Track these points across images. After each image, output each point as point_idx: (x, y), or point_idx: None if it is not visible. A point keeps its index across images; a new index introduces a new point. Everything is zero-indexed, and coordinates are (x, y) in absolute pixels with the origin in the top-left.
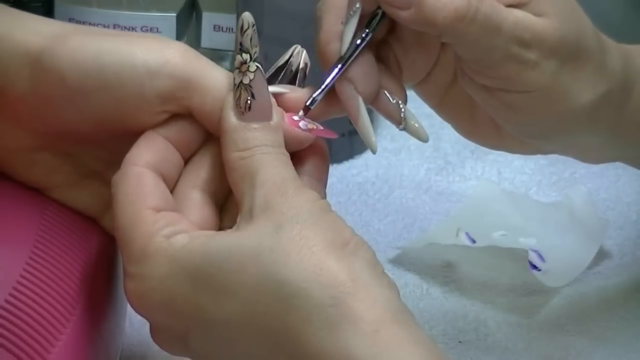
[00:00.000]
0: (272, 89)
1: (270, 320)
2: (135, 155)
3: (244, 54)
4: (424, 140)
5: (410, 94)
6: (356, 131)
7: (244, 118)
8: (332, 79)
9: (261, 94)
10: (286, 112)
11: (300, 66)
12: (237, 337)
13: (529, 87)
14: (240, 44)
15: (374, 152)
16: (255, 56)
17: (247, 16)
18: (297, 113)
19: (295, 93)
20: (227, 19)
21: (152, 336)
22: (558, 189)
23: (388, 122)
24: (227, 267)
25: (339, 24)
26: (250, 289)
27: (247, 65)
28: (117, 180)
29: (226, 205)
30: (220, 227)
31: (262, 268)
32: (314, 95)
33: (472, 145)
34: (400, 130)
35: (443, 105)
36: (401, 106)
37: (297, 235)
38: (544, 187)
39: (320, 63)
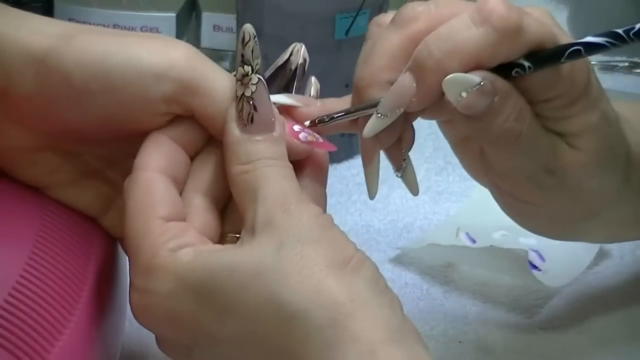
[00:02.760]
0: (285, 100)
1: (272, 340)
2: (145, 160)
3: (245, 66)
4: (414, 193)
5: None
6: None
7: (246, 130)
8: (349, 116)
9: (264, 106)
10: (294, 121)
11: (299, 62)
12: (240, 355)
13: (535, 202)
14: (242, 55)
15: (371, 199)
16: (257, 68)
17: (249, 28)
18: (299, 124)
19: (308, 109)
20: (226, 19)
21: (158, 346)
22: None
23: None
24: (229, 286)
25: (385, 71)
26: (252, 308)
27: (249, 78)
28: (127, 187)
29: (228, 209)
30: (222, 232)
31: (264, 288)
32: (325, 118)
33: None
34: (397, 176)
35: (457, 147)
36: (405, 155)
37: (298, 255)
38: None
39: (353, 96)
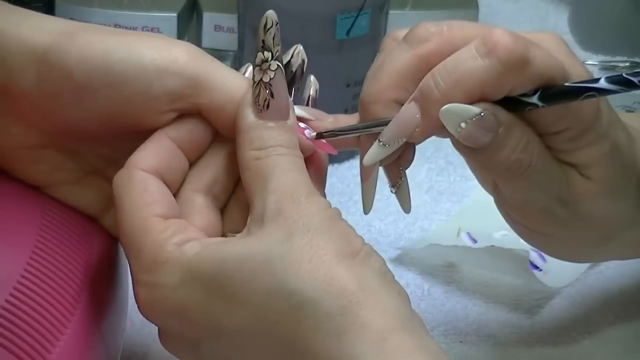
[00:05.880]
0: (298, 112)
1: (281, 328)
2: (140, 159)
3: (265, 52)
4: (406, 210)
5: None
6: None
7: (261, 116)
8: (354, 133)
9: (280, 93)
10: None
11: (298, 63)
12: (248, 345)
13: (548, 233)
14: (263, 41)
15: (366, 213)
16: (277, 55)
17: (271, 14)
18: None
19: (320, 122)
20: (227, 19)
21: (161, 341)
22: None
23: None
24: (239, 276)
25: (392, 90)
26: (261, 297)
27: (268, 64)
28: (120, 183)
29: (227, 209)
30: (222, 232)
31: (273, 277)
32: (334, 130)
33: None
34: (391, 192)
35: (475, 173)
36: (402, 173)
37: (308, 244)
38: None
39: (359, 111)
